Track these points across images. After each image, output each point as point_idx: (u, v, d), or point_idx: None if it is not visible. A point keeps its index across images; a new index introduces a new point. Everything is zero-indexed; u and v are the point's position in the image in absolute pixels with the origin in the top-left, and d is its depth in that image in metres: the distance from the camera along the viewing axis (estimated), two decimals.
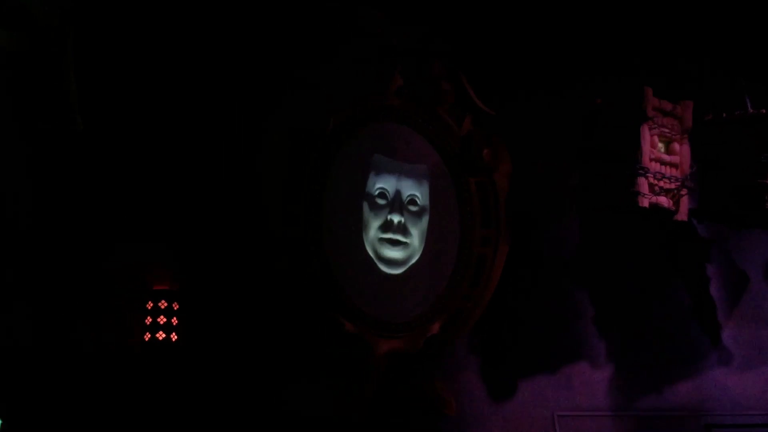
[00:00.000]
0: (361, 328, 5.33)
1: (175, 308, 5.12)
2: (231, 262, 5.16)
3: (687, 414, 6.37)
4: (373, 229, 5.52)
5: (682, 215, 5.76)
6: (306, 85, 5.24)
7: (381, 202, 5.55)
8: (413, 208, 5.64)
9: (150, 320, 5.08)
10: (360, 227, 5.48)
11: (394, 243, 5.54)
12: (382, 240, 5.52)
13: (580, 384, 6.18)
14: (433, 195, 5.77)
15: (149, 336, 5.07)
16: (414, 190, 5.66)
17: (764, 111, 5.77)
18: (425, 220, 5.69)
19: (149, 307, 5.10)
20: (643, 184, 5.53)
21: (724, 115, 5.93)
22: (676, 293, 6.61)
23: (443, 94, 5.74)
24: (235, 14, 5.24)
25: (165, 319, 5.10)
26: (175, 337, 5.10)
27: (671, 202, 5.70)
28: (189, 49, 5.15)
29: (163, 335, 5.08)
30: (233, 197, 5.15)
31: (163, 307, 5.11)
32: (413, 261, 5.64)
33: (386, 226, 5.52)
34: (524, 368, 6.05)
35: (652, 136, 5.64)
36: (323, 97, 5.27)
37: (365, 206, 5.51)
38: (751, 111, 5.88)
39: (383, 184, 5.56)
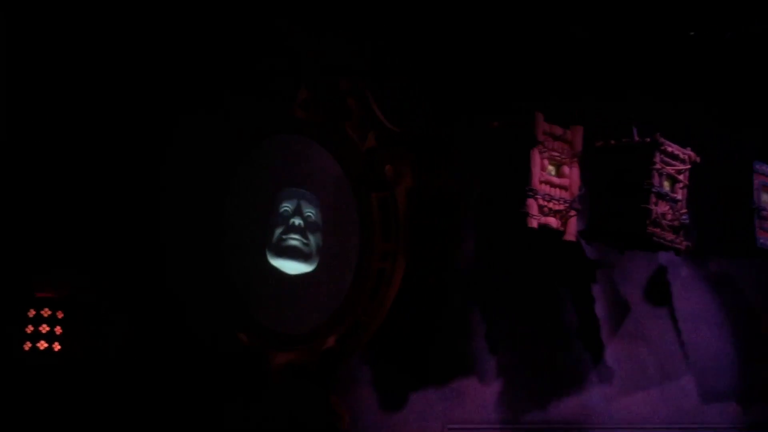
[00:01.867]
0: (257, 341, 5.27)
1: (60, 317, 4.92)
2: (122, 271, 5.00)
3: (569, 428, 6.59)
4: (276, 236, 5.61)
5: (570, 236, 5.93)
6: (211, 95, 5.17)
7: (285, 214, 5.73)
8: (310, 220, 5.77)
9: (32, 329, 4.87)
10: (263, 239, 5.46)
11: (293, 250, 5.61)
12: (283, 239, 5.62)
13: (470, 398, 6.29)
14: (335, 209, 5.80)
15: (30, 345, 4.85)
16: (311, 209, 5.80)
17: (648, 140, 6.07)
18: (318, 236, 5.78)
19: (31, 315, 4.88)
20: (532, 205, 5.68)
21: (613, 142, 6.22)
22: (563, 311, 6.85)
23: (349, 109, 5.79)
24: (142, 24, 5.12)
25: (48, 328, 4.90)
26: (59, 347, 4.89)
27: (560, 222, 5.87)
28: (92, 57, 4.99)
29: (46, 345, 4.88)
30: (130, 205, 5.00)
31: (46, 315, 4.91)
32: (311, 266, 5.62)
33: (288, 229, 5.65)
34: (417, 382, 6.11)
35: (542, 159, 5.81)
36: (229, 107, 5.22)
37: (271, 220, 5.57)
38: (637, 139, 6.19)
39: (287, 204, 5.76)
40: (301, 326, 5.62)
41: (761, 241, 6.47)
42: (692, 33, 6.80)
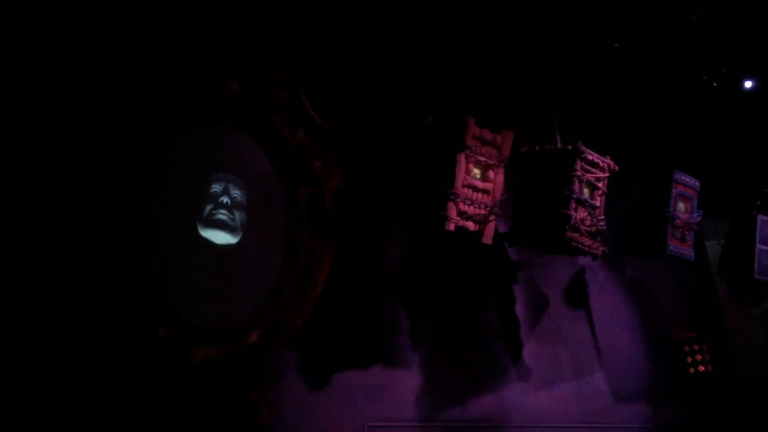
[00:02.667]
0: (176, 334, 5.17)
1: None
2: (45, 263, 4.82)
3: (487, 425, 6.72)
4: (206, 211, 5.58)
5: (487, 239, 6.03)
6: (142, 82, 5.04)
7: (214, 195, 5.65)
8: (236, 201, 5.71)
9: None
10: (194, 225, 5.40)
11: (221, 223, 5.61)
12: (213, 213, 5.60)
13: (391, 396, 6.34)
14: (262, 203, 5.74)
15: None
16: (237, 192, 5.73)
17: (569, 147, 6.23)
18: (242, 213, 5.74)
19: None
20: (451, 208, 5.76)
21: (537, 148, 6.36)
22: (485, 311, 6.99)
23: (279, 103, 5.72)
24: (69, 11, 4.94)
25: None
26: None
27: (478, 226, 5.96)
28: (19, 45, 4.80)
29: None
30: (54, 196, 4.82)
31: None
32: (236, 238, 5.64)
33: (216, 206, 5.61)
34: (340, 380, 6.12)
35: (468, 163, 5.89)
36: (159, 96, 5.10)
37: (201, 200, 5.54)
38: (560, 147, 6.35)
39: (216, 186, 5.66)
40: (224, 321, 5.54)
41: (672, 248, 6.72)
42: (616, 45, 7.00)
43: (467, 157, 5.85)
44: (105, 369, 4.95)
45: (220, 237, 5.60)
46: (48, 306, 4.83)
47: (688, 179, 6.91)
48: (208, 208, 5.60)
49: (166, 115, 5.27)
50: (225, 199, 5.63)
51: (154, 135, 5.21)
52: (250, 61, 5.64)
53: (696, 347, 7.88)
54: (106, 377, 4.95)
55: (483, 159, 5.98)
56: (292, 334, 5.79)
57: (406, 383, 6.41)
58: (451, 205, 5.73)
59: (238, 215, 5.71)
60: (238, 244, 5.67)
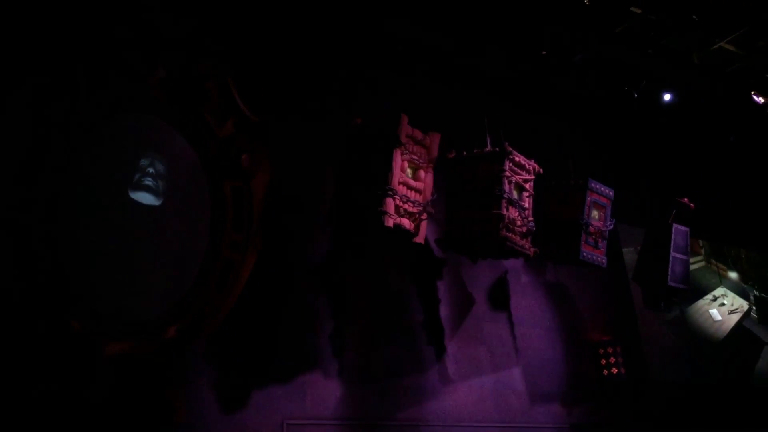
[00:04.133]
0: (90, 328, 4.98)
1: None
2: None
3: (406, 424, 6.72)
4: (135, 178, 5.46)
5: (420, 238, 6.06)
6: (60, 64, 4.83)
7: (142, 166, 5.52)
8: (159, 173, 5.59)
9: None
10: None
11: (150, 179, 5.50)
12: (141, 179, 5.48)
13: (312, 393, 6.27)
14: (186, 194, 5.59)
15: None
16: (160, 167, 5.60)
17: (498, 149, 6.31)
18: (164, 184, 5.62)
19: None
20: (390, 204, 5.75)
21: (465, 153, 6.43)
22: (409, 311, 7.00)
23: (207, 92, 5.59)
24: None
25: None
26: None
27: (413, 225, 5.98)
28: None
29: None
30: None
31: None
32: (159, 201, 5.50)
33: (144, 174, 5.49)
34: (260, 376, 6.02)
35: (402, 161, 5.91)
36: (79, 80, 4.90)
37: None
38: (489, 149, 6.42)
39: (144, 161, 5.54)
40: (141, 314, 5.37)
41: (584, 254, 6.89)
42: (544, 53, 7.13)
43: (402, 155, 5.86)
44: (13, 363, 4.73)
45: (147, 198, 5.47)
46: None
47: (602, 188, 7.09)
48: (137, 176, 5.46)
49: (87, 99, 5.07)
50: (151, 170, 5.50)
51: (72, 120, 5.00)
52: (179, 48, 5.49)
53: (610, 350, 8.09)
54: (14, 372, 4.74)
55: (415, 158, 6.00)
56: (213, 329, 5.66)
57: (327, 381, 6.36)
58: (389, 201, 5.73)
59: (161, 183, 5.58)
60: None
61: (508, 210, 6.19)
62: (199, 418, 5.68)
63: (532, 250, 6.47)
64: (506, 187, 6.20)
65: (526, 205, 6.44)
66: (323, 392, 6.35)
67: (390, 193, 5.72)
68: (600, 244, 7.02)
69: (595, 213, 6.99)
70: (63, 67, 4.92)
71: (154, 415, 5.35)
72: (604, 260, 7.07)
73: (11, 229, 4.72)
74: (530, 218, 6.42)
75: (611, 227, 7.11)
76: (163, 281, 5.49)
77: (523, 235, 6.37)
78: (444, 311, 7.20)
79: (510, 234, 6.20)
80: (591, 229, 6.93)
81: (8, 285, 4.70)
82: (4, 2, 4.79)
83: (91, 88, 5.06)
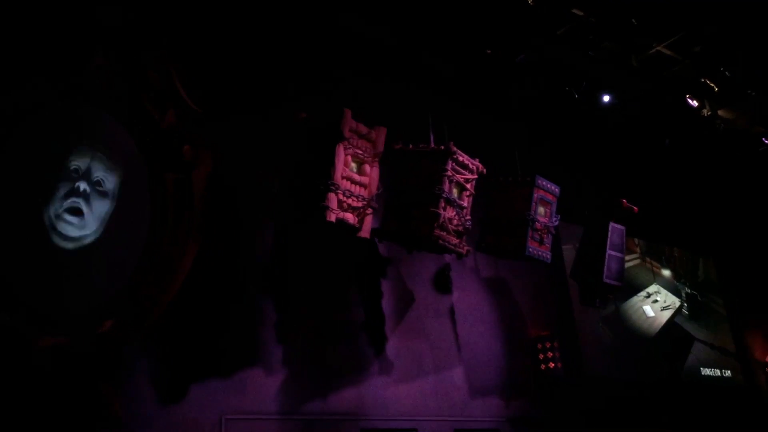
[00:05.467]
0: (20, 321, 4.83)
1: None
2: None
3: (346, 418, 6.73)
4: (57, 199, 5.18)
5: (365, 233, 6.05)
6: None
7: (73, 176, 5.29)
8: (100, 188, 5.38)
9: None
10: (39, 204, 5.03)
11: (74, 212, 5.20)
12: (64, 210, 5.19)
13: (251, 388, 6.23)
14: (126, 185, 5.46)
15: None
16: (103, 174, 5.38)
17: (442, 147, 6.35)
18: (107, 205, 5.42)
19: None
20: (332, 199, 5.73)
21: (411, 146, 6.44)
22: (351, 305, 7.00)
23: (148, 81, 5.46)
24: None
25: None
26: None
27: (356, 219, 5.97)
28: None
29: None
30: None
31: None
32: (87, 241, 5.28)
33: (70, 192, 5.24)
34: (199, 371, 5.94)
35: (346, 155, 5.88)
36: (13, 68, 4.73)
37: (51, 180, 5.16)
38: (433, 146, 6.45)
39: (78, 162, 5.30)
40: (76, 308, 5.22)
41: (531, 249, 6.98)
42: (488, 51, 7.20)
43: (345, 149, 5.83)
44: None
45: (68, 230, 5.25)
46: None
47: (548, 185, 7.20)
48: (62, 191, 5.21)
49: (25, 87, 4.89)
50: (83, 186, 5.27)
51: (8, 109, 4.83)
52: (120, 36, 5.35)
53: (548, 345, 8.25)
54: None
55: (360, 152, 5.98)
56: (151, 323, 5.55)
57: (268, 376, 6.32)
58: (331, 195, 5.69)
59: (97, 208, 5.37)
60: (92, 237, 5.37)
61: (445, 209, 6.24)
62: (137, 412, 5.58)
63: (465, 248, 6.54)
64: (446, 186, 6.25)
65: (465, 204, 6.49)
66: (264, 387, 6.30)
67: (332, 187, 5.69)
68: (545, 240, 7.13)
69: (541, 209, 7.08)
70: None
71: (88, 410, 5.23)
72: (548, 256, 7.17)
73: None
74: (467, 217, 6.49)
75: (556, 223, 7.22)
76: (100, 274, 5.35)
77: (459, 234, 6.44)
78: (387, 306, 7.22)
79: (443, 233, 6.25)
80: (537, 225, 7.02)
81: None
82: None
83: (25, 75, 4.89)
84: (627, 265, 8.38)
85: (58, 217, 5.16)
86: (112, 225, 5.40)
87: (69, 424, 5.13)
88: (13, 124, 4.94)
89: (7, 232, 4.91)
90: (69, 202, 5.20)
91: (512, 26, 7.01)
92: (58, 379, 5.05)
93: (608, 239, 7.78)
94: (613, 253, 7.81)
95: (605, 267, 7.73)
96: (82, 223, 5.26)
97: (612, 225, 7.85)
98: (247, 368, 6.21)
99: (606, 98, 8.02)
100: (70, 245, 5.21)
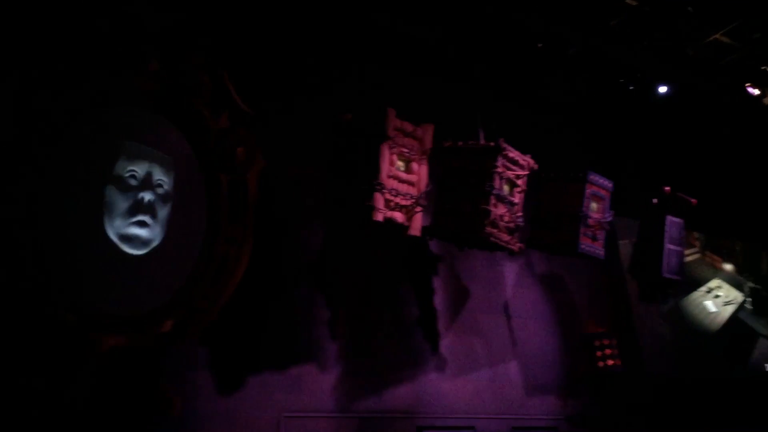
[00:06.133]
0: (84, 321, 4.99)
1: None
2: None
3: (402, 416, 6.76)
4: (120, 212, 5.27)
5: (415, 231, 6.07)
6: (47, 60, 4.81)
7: (132, 182, 5.36)
8: (161, 191, 5.49)
9: None
10: (101, 211, 5.18)
11: (142, 225, 5.33)
12: (130, 223, 5.31)
13: (307, 386, 6.30)
14: (181, 187, 5.60)
15: None
16: (162, 176, 5.51)
17: (492, 144, 6.32)
18: (168, 207, 5.53)
19: None
20: (378, 199, 5.75)
21: (460, 143, 6.43)
22: (404, 303, 7.03)
23: (202, 86, 5.58)
24: None
25: None
26: None
27: (405, 217, 5.99)
28: None
29: None
30: None
31: None
32: (154, 245, 5.43)
33: (136, 207, 5.33)
34: (256, 370, 6.05)
35: (391, 154, 5.90)
36: (67, 74, 4.88)
37: (111, 190, 5.24)
38: (482, 143, 6.43)
39: (135, 167, 5.37)
40: (136, 308, 5.37)
41: (583, 246, 6.89)
42: (540, 45, 7.13)
43: (390, 148, 5.85)
44: (8, 356, 4.74)
45: (133, 249, 5.36)
46: None
47: (601, 180, 7.09)
48: (123, 207, 5.29)
49: (78, 92, 5.04)
50: (147, 196, 5.37)
51: (62, 114, 4.99)
52: (174, 42, 5.48)
53: (605, 342, 8.10)
54: (9, 365, 4.75)
55: (406, 151, 6.00)
56: (208, 322, 5.67)
57: (323, 374, 6.39)
58: (377, 195, 5.72)
59: (161, 214, 5.46)
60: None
61: (496, 206, 6.21)
62: (197, 410, 5.72)
63: (517, 245, 6.49)
64: (497, 183, 6.20)
65: (516, 201, 6.44)
66: (320, 385, 6.38)
67: (378, 187, 5.72)
68: (598, 236, 7.02)
69: (594, 205, 6.98)
70: (47, 60, 4.90)
71: (150, 408, 5.37)
72: (602, 252, 7.07)
73: None
74: (519, 214, 6.44)
75: (610, 219, 7.12)
76: (159, 275, 5.49)
77: (510, 231, 6.39)
78: (439, 303, 7.22)
79: (495, 230, 6.21)
80: (590, 221, 6.92)
81: None
82: None
83: (78, 80, 5.04)
84: (686, 259, 8.20)
85: (126, 229, 5.30)
86: (170, 227, 5.53)
87: (132, 421, 5.28)
88: (72, 129, 5.09)
89: (76, 238, 5.07)
90: (137, 217, 5.33)
91: (563, 19, 6.93)
92: (121, 378, 5.20)
93: (666, 233, 7.63)
94: (671, 247, 7.65)
95: (664, 262, 7.58)
96: (150, 234, 5.41)
97: (669, 218, 7.69)
98: (302, 366, 6.29)
99: (662, 89, 7.85)
100: (139, 252, 5.37)
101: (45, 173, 4.93)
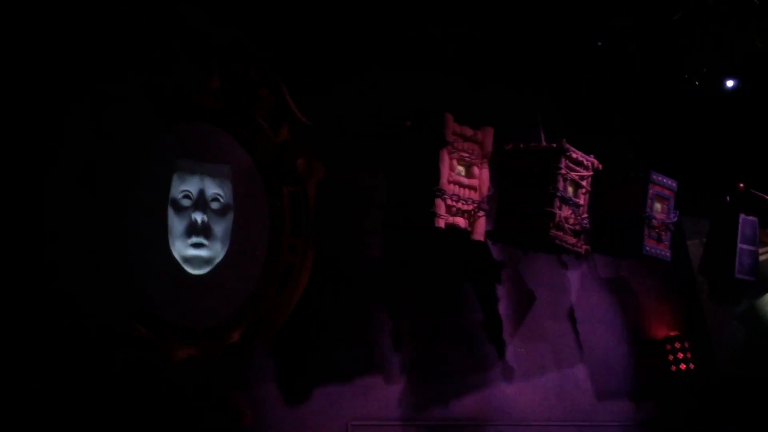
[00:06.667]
0: (157, 334, 5.11)
1: None
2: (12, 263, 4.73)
3: (470, 424, 6.71)
4: (178, 233, 5.37)
5: (478, 235, 6.02)
6: (112, 81, 4.96)
7: (185, 203, 5.43)
8: (216, 206, 5.55)
9: None
10: (165, 230, 5.30)
11: (198, 246, 5.42)
12: (187, 245, 5.41)
13: (374, 394, 6.30)
14: (244, 200, 5.68)
15: None
16: (217, 189, 5.58)
17: (554, 145, 6.24)
18: (229, 218, 5.62)
19: None
20: (440, 205, 5.72)
21: (522, 145, 6.37)
22: (467, 309, 6.98)
23: (261, 99, 5.66)
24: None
25: None
26: None
27: (467, 223, 5.95)
28: None
29: None
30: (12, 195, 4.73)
31: None
32: (217, 261, 5.52)
33: (191, 229, 5.41)
34: (322, 378, 6.07)
35: (451, 159, 5.86)
36: (132, 95, 5.03)
37: (170, 210, 5.36)
38: (544, 144, 6.35)
39: (187, 186, 5.44)
40: (204, 320, 5.47)
41: (648, 248, 6.75)
42: (599, 43, 7.02)
43: (450, 153, 5.83)
44: (85, 369, 4.88)
45: (194, 270, 5.43)
46: (18, 308, 4.73)
47: (664, 180, 6.94)
48: (179, 228, 5.35)
49: (144, 111, 5.19)
50: (200, 218, 5.42)
51: (129, 132, 5.13)
52: (233, 56, 5.58)
53: (678, 345, 7.94)
54: (86, 378, 4.89)
55: (466, 155, 5.96)
56: (275, 332, 5.74)
57: (389, 382, 6.38)
58: (439, 201, 5.70)
59: (218, 231, 5.50)
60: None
61: (560, 208, 6.12)
62: (264, 419, 5.77)
63: (583, 248, 6.39)
64: (560, 185, 6.12)
65: (581, 202, 6.34)
66: (386, 393, 6.37)
67: (439, 193, 5.70)
68: (664, 238, 6.89)
69: (657, 206, 6.86)
70: (122, 79, 5.05)
71: (222, 419, 5.45)
72: (668, 254, 6.93)
73: (71, 236, 4.85)
74: (584, 215, 6.33)
75: (675, 219, 6.96)
76: (224, 288, 5.58)
77: (576, 233, 6.29)
78: (504, 309, 7.15)
79: (560, 233, 6.13)
80: (654, 222, 6.79)
81: (73, 291, 4.84)
82: (67, 17, 4.93)
83: (150, 99, 5.18)
84: (761, 258, 7.94)
85: (185, 251, 5.40)
86: (235, 239, 5.61)
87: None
88: (142, 147, 5.24)
89: (145, 254, 5.20)
90: (192, 239, 5.41)
91: (623, 15, 6.80)
92: (193, 388, 5.30)
93: (739, 232, 7.41)
94: (744, 246, 7.43)
95: (737, 262, 7.37)
96: (210, 253, 5.50)
97: (743, 216, 7.47)
98: (368, 374, 6.29)
99: (729, 83, 7.63)
100: (202, 272, 5.47)
101: (116, 194, 5.07)
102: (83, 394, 4.86)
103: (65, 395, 4.80)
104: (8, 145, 4.71)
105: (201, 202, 5.46)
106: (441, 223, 5.71)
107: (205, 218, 5.46)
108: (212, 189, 5.54)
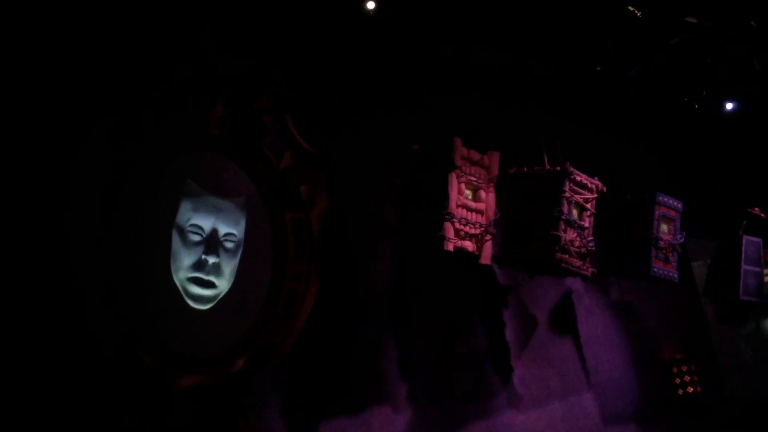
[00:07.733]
0: (162, 362, 5.09)
1: None
2: (19, 285, 4.73)
3: None
4: (184, 265, 5.37)
5: (485, 259, 6.03)
6: (120, 107, 5.00)
7: (195, 239, 5.45)
8: (229, 245, 5.58)
9: None
10: (168, 257, 5.29)
11: (205, 284, 5.41)
12: (191, 279, 5.40)
13: (378, 423, 6.23)
14: (248, 228, 5.69)
15: None
16: (231, 229, 5.59)
17: (558, 168, 6.25)
18: (239, 254, 5.61)
19: None
20: (448, 228, 5.73)
21: (525, 169, 6.37)
22: (474, 335, 6.93)
23: (265, 127, 5.71)
24: (51, 29, 4.89)
25: None
26: None
27: (475, 246, 5.95)
28: None
29: None
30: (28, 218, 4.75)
31: None
32: (221, 297, 5.51)
33: (199, 266, 5.40)
34: (326, 407, 6.01)
35: (459, 183, 5.88)
36: (137, 122, 5.07)
37: (175, 236, 5.35)
38: (548, 168, 6.36)
39: (199, 221, 5.46)
40: (209, 348, 5.46)
41: (655, 269, 6.72)
42: (599, 68, 7.06)
43: (458, 177, 5.85)
44: (89, 397, 4.86)
45: (197, 305, 5.43)
46: (24, 334, 4.73)
47: (670, 201, 6.94)
48: (186, 262, 5.35)
49: (148, 141, 5.22)
50: (212, 259, 5.42)
51: (135, 163, 5.16)
52: (235, 85, 5.62)
53: (684, 368, 7.86)
54: (90, 406, 4.86)
55: (473, 179, 5.99)
56: (279, 360, 5.71)
57: (395, 409, 6.32)
58: (447, 225, 5.71)
59: (227, 271, 5.52)
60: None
61: (566, 231, 6.11)
62: None
63: (590, 270, 6.37)
64: (565, 208, 6.11)
65: (586, 225, 6.33)
66: (391, 420, 6.30)
67: (447, 217, 5.70)
68: (671, 259, 6.86)
69: (664, 227, 6.83)
70: (131, 109, 5.09)
71: None
72: (675, 275, 6.89)
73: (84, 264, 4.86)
74: (590, 238, 6.32)
75: (682, 240, 6.95)
76: (228, 317, 5.57)
77: (582, 256, 6.27)
78: (510, 333, 7.10)
79: (566, 256, 6.11)
80: (661, 243, 6.77)
81: (76, 322, 4.83)
82: (74, 46, 4.98)
83: (158, 129, 5.22)
84: (766, 279, 7.91)
85: (190, 283, 5.39)
86: (240, 271, 5.61)
87: None
88: (151, 178, 5.26)
89: (148, 282, 5.19)
90: (199, 275, 5.42)
91: (622, 40, 6.84)
92: (198, 416, 5.27)
93: (743, 253, 7.39)
94: (749, 268, 7.40)
95: (741, 283, 7.33)
96: (215, 292, 5.49)
97: (746, 238, 7.45)
98: (373, 402, 6.23)
99: (729, 105, 7.66)
100: (205, 308, 5.46)
101: (124, 220, 5.07)
102: (89, 422, 4.83)
103: (72, 422, 4.78)
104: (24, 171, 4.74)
105: (213, 244, 5.47)
106: (450, 247, 5.71)
107: (218, 261, 5.47)
108: (226, 228, 5.56)
